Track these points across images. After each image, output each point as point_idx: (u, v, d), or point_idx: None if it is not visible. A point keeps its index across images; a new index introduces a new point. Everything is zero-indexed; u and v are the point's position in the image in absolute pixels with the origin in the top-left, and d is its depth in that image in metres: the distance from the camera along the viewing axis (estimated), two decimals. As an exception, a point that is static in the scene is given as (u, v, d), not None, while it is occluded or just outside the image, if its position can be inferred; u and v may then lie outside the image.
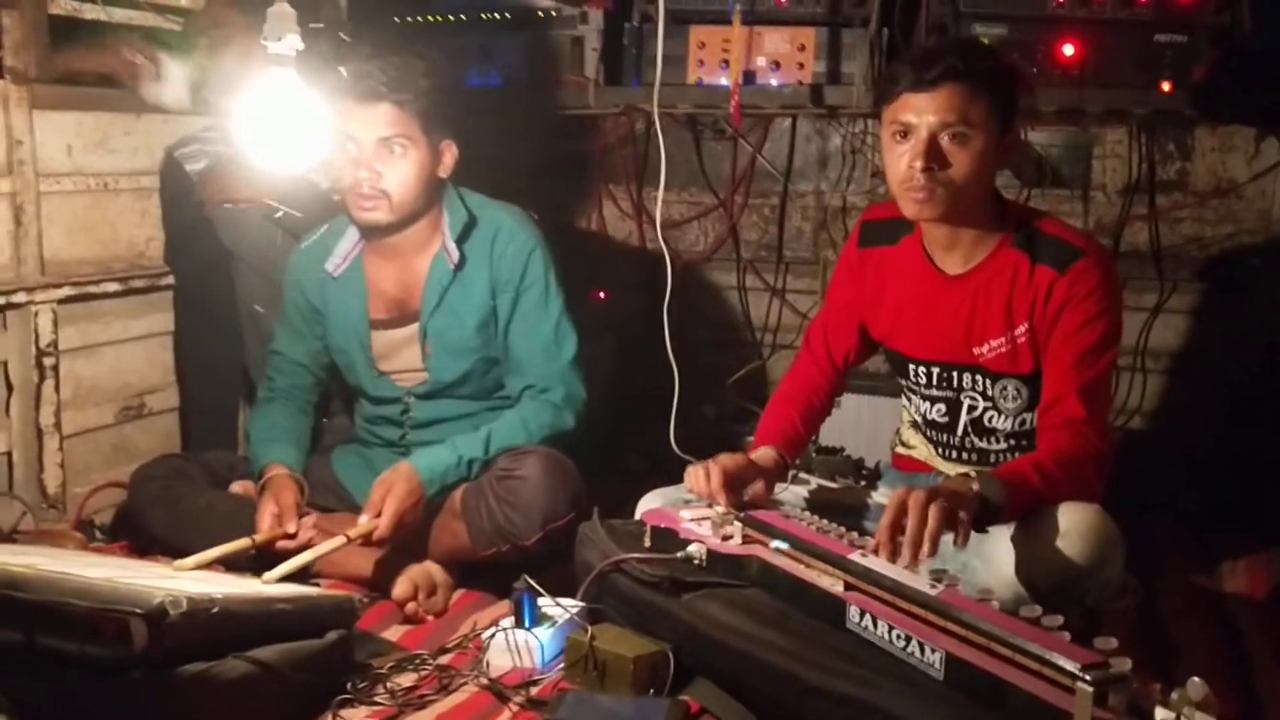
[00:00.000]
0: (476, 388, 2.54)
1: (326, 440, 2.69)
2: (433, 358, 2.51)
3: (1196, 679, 1.40)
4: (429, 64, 2.42)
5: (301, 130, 2.28)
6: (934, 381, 2.22)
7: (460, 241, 2.47)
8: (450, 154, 2.45)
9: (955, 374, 2.19)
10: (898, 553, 1.77)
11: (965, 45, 2.23)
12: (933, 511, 1.76)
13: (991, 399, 2.17)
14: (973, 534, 1.98)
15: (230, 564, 2.24)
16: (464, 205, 2.50)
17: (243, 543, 2.21)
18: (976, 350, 2.14)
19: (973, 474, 1.96)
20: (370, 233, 2.46)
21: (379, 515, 2.24)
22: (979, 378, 2.17)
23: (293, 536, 2.28)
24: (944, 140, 2.00)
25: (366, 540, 2.26)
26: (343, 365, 2.60)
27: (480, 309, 2.48)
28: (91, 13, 2.77)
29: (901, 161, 2.03)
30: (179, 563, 2.11)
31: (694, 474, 2.09)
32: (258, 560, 2.25)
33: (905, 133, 2.02)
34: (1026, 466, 1.95)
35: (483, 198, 2.55)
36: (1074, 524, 1.89)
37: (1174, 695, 1.41)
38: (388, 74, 2.34)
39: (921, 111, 1.99)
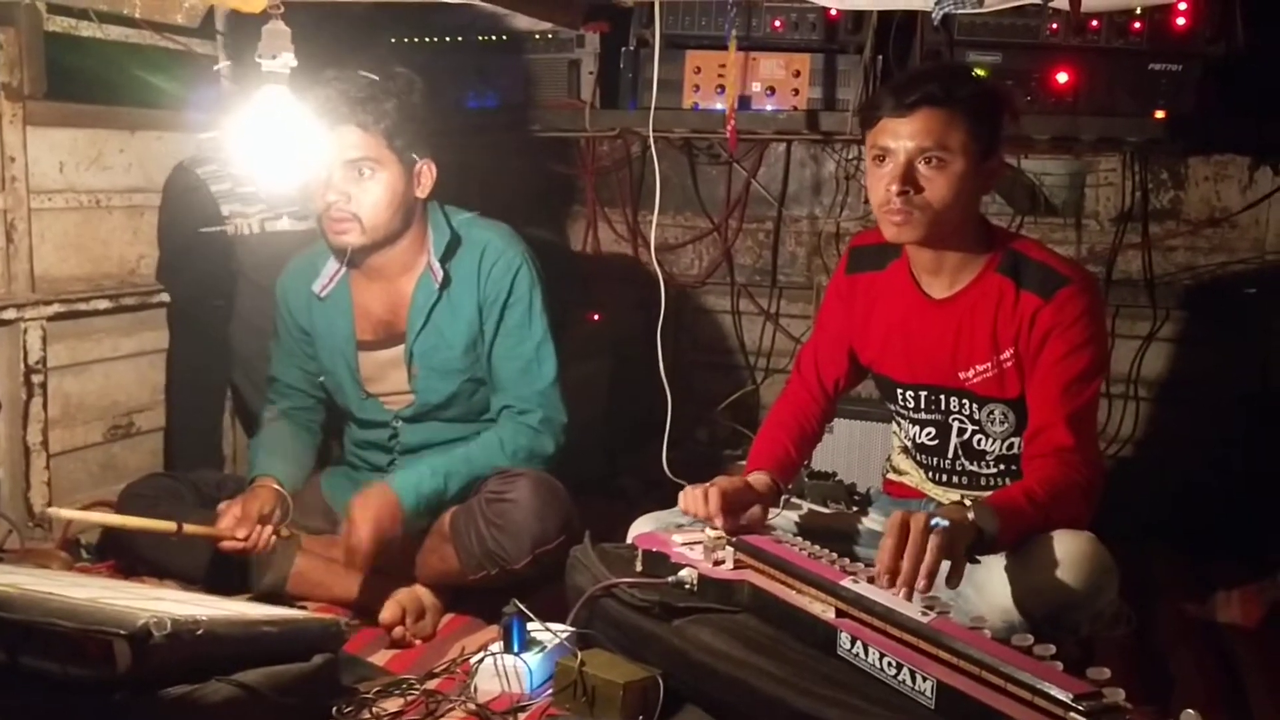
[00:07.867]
0: (464, 409, 2.52)
1: (333, 459, 2.68)
2: (419, 379, 2.49)
3: (1191, 710, 1.39)
4: (399, 83, 2.36)
5: (304, 145, 2.27)
6: (921, 405, 2.21)
7: (445, 260, 2.45)
8: (428, 174, 2.42)
9: (942, 398, 2.18)
10: (899, 577, 1.76)
11: (946, 71, 2.25)
12: (932, 544, 1.75)
13: (979, 423, 2.16)
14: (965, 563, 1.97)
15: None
16: (448, 223, 2.48)
17: (167, 525, 2.18)
18: (962, 375, 2.14)
19: (967, 502, 1.95)
20: (347, 257, 2.43)
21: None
22: (966, 402, 2.16)
23: (245, 540, 2.25)
24: (921, 165, 2.01)
25: (350, 560, 2.24)
26: (331, 388, 2.58)
27: (468, 329, 2.46)
28: (88, 30, 2.77)
29: (880, 185, 2.04)
30: (52, 510, 2.17)
31: (691, 496, 2.07)
32: (217, 570, 2.34)
33: (884, 157, 2.04)
34: (1019, 495, 1.94)
35: (469, 215, 2.53)
36: (1068, 553, 1.88)
37: (1168, 726, 1.40)
38: (350, 96, 2.30)
39: (899, 136, 2.01)
